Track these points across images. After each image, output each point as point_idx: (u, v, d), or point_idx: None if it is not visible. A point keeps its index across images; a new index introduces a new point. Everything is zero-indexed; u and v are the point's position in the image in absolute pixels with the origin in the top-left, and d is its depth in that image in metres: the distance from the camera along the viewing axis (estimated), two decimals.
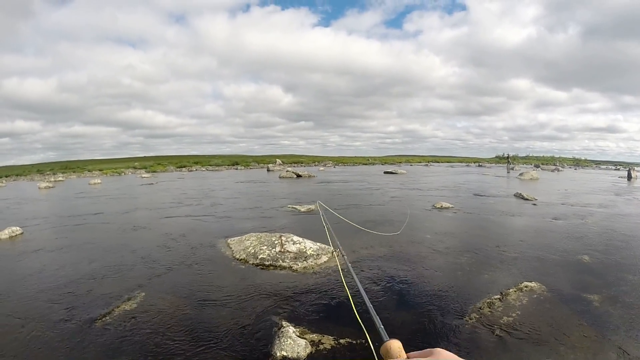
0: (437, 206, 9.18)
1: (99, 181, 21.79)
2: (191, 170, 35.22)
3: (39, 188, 18.43)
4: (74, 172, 35.00)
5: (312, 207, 8.72)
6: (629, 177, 22.73)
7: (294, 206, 9.17)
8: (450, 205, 9.27)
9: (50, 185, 19.85)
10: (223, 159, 48.72)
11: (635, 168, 35.03)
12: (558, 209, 9.23)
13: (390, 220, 7.43)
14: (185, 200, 11.58)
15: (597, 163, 66.46)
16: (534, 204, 10.02)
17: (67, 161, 63.76)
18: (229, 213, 8.75)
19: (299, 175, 20.30)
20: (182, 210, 9.45)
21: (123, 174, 32.51)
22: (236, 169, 37.24)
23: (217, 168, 38.05)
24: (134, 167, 38.19)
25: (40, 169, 39.62)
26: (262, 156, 63.65)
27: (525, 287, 3.79)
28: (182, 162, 44.13)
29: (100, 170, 35.32)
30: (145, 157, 75.71)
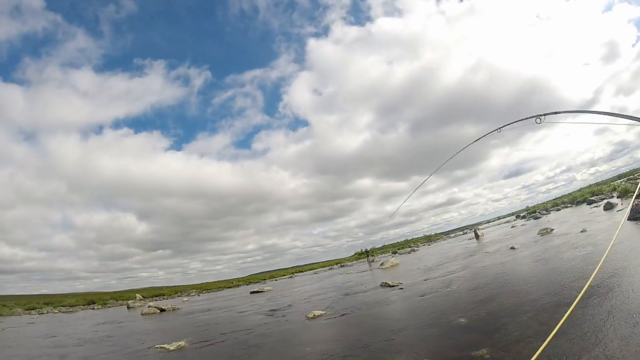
0: (310, 316, 9.49)
1: None
2: (42, 313, 35.78)
3: None
4: None
5: (182, 343, 8.63)
6: (477, 237, 28.23)
7: (162, 346, 8.62)
8: (323, 312, 9.71)
9: None
10: (77, 298, 51.20)
11: (480, 227, 43.62)
12: (424, 286, 10.60)
13: (264, 343, 7.30)
14: (34, 355, 10.24)
15: (447, 233, 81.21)
16: (401, 288, 11.26)
17: None
18: None
19: (162, 310, 21.38)
20: None
21: None
22: (93, 308, 38.72)
23: (71, 309, 38.74)
24: None
25: None
26: (120, 292, 66.89)
27: None
28: (31, 302, 44.99)
29: None
30: None
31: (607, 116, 5.08)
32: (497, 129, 6.54)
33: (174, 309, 21.66)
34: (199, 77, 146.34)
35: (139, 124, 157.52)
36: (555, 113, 5.35)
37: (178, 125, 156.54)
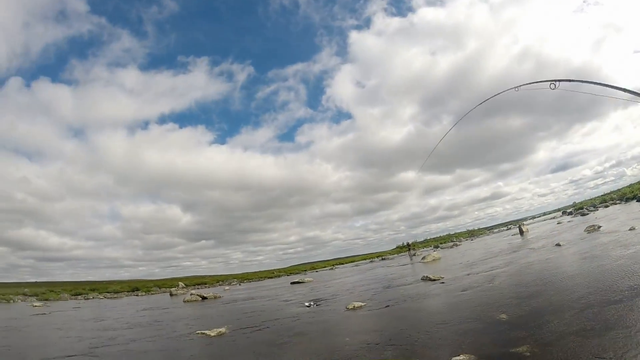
0: (350, 307, 9.74)
1: None
2: (88, 299, 37.68)
3: None
4: None
5: (223, 329, 8.99)
6: (521, 233, 27.64)
7: (203, 332, 9.05)
8: (363, 304, 9.92)
9: None
10: (122, 285, 52.34)
11: (524, 223, 42.55)
12: (465, 280, 10.57)
13: (303, 332, 7.65)
14: (85, 336, 10.96)
15: (490, 229, 79.16)
16: (442, 282, 11.26)
17: None
18: (134, 347, 8.69)
19: (204, 298, 22.18)
20: (81, 347, 9.08)
21: (12, 302, 33.97)
22: (136, 295, 40.55)
23: (115, 295, 41.21)
24: (24, 294, 40.18)
25: None
26: (163, 280, 68.85)
27: None
28: (77, 288, 47.76)
29: None
30: (36, 282, 75.55)
31: (627, 93, 4.98)
32: (514, 87, 6.49)
33: (215, 297, 22.38)
34: (242, 73, 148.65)
35: (183, 119, 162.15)
36: (570, 81, 5.28)
37: (222, 120, 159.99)
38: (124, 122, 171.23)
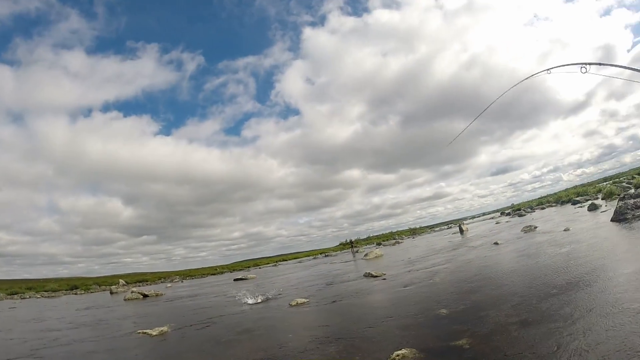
0: (293, 304, 9.67)
1: None
2: (24, 298, 37.43)
3: None
4: None
5: (165, 328, 8.76)
6: (461, 232, 28.75)
7: (144, 331, 8.81)
8: (307, 300, 9.92)
9: None
10: (60, 283, 51.92)
11: (465, 222, 44.29)
12: (407, 277, 10.76)
13: (248, 330, 7.48)
14: (27, 338, 10.49)
15: (431, 227, 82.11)
16: (384, 279, 11.42)
17: None
18: (77, 348, 8.26)
19: (145, 296, 21.79)
20: (23, 349, 8.57)
21: None
22: (75, 293, 39.60)
23: (53, 294, 40.16)
24: None
25: None
26: (103, 277, 68.19)
27: (397, 356, 4.15)
28: (13, 287, 47.00)
29: None
30: None
31: None
32: (546, 70, 6.58)
33: (157, 295, 22.03)
34: (192, 62, 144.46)
35: (128, 107, 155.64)
36: (600, 64, 5.46)
37: (168, 110, 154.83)
38: (66, 108, 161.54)
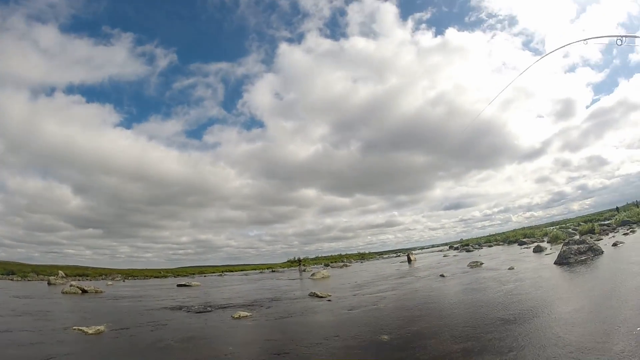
0: (235, 316, 9.52)
1: None
2: None
3: None
4: None
5: (102, 327, 8.55)
6: (409, 261, 29.28)
7: (80, 328, 8.53)
8: (250, 314, 9.81)
9: None
10: None
11: (413, 252, 45.01)
12: (351, 301, 10.73)
13: (187, 338, 7.32)
14: None
15: (380, 254, 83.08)
16: (329, 300, 11.33)
17: None
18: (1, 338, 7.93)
19: (85, 291, 21.29)
20: None
21: None
22: (11, 279, 39.68)
23: None
24: None
25: None
26: (42, 266, 62.73)
27: None
28: None
29: None
30: None
31: None
32: (583, 40, 6.64)
33: (96, 291, 21.50)
34: (165, 59, 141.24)
35: (93, 93, 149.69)
36: (635, 37, 5.66)
37: (132, 103, 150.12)
38: (30, 84, 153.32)
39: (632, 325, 4.84)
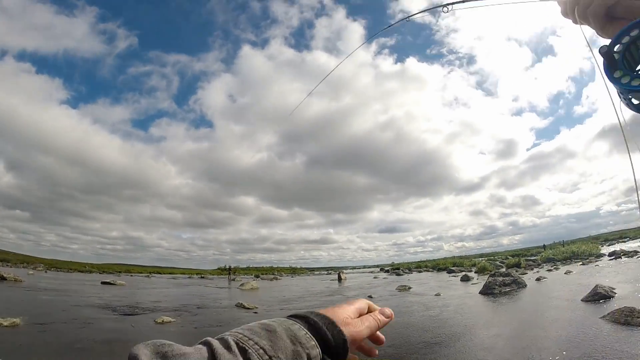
0: (159, 321, 9.34)
1: None
2: None
3: None
4: None
5: (17, 320, 8.33)
6: (339, 280, 29.45)
7: None
8: (174, 320, 9.66)
9: None
10: None
11: (344, 271, 45.43)
12: (277, 314, 10.41)
13: (106, 341, 7.16)
14: None
15: (312, 270, 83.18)
16: (255, 312, 11.22)
17: None
18: None
19: (3, 278, 20.95)
20: None
21: None
22: None
23: None
24: None
25: None
26: None
27: None
28: None
29: None
30: None
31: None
32: (405, 18, 6.68)
33: (16, 280, 21.08)
34: (125, 40, 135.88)
35: (44, 64, 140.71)
36: (463, 1, 5.78)
37: (83, 82, 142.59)
38: None
39: (549, 354, 5.03)
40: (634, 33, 0.71)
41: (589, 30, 0.85)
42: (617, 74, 0.73)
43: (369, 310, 0.74)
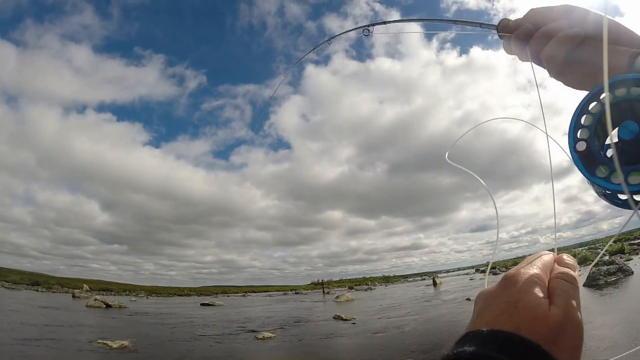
0: (259, 337, 9.69)
1: None
2: None
3: None
4: None
5: (126, 342, 8.65)
6: (435, 284, 29.01)
7: (104, 341, 8.64)
8: (273, 335, 9.95)
9: None
10: (22, 276, 53.65)
11: (439, 275, 44.63)
12: (376, 324, 10.76)
13: (208, 357, 7.64)
14: None
15: (405, 277, 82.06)
16: (353, 323, 11.39)
17: None
18: (25, 350, 8.03)
19: (108, 305, 21.46)
20: None
21: None
22: (37, 290, 40.10)
23: (14, 286, 40.87)
24: None
25: None
26: (67, 278, 67.23)
27: None
28: None
29: None
30: None
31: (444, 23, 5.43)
32: (327, 40, 6.72)
33: (120, 307, 21.71)
34: (194, 80, 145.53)
35: (123, 112, 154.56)
36: (384, 23, 5.74)
37: (162, 123, 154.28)
38: (62, 100, 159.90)
39: None
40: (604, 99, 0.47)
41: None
42: (600, 173, 0.49)
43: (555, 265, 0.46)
